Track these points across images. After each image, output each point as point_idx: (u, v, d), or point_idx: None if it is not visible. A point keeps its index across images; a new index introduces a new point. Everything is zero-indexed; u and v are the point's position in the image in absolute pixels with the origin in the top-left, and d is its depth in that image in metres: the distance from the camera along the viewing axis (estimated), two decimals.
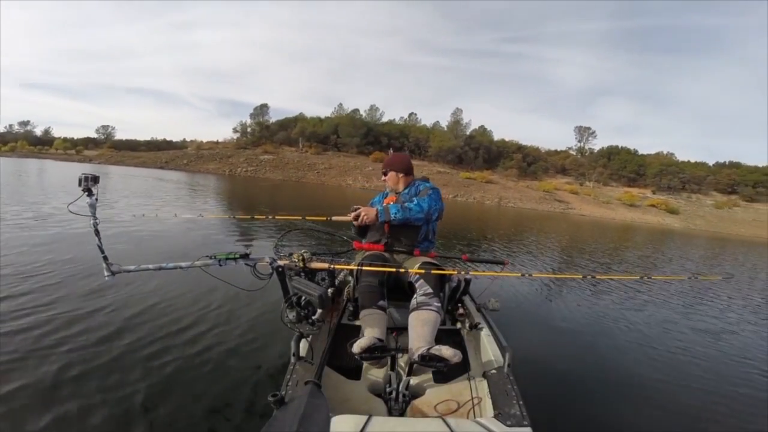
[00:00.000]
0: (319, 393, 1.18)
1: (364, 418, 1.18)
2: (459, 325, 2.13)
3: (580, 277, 2.42)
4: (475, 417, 1.40)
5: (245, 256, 1.82)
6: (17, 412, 1.76)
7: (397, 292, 2.06)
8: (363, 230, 2.33)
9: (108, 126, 58.54)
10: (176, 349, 2.44)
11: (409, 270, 1.90)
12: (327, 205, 15.00)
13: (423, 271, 1.86)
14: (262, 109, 51.61)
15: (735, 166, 48.03)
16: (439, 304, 1.79)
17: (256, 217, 2.60)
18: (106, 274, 1.66)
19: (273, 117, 52.82)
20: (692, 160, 50.43)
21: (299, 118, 52.02)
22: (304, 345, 1.60)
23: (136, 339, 2.52)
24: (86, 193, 1.57)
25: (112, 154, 45.18)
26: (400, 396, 1.56)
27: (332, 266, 1.91)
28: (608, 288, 5.20)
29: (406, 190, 2.29)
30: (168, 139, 57.64)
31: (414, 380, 1.67)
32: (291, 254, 1.92)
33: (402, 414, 1.51)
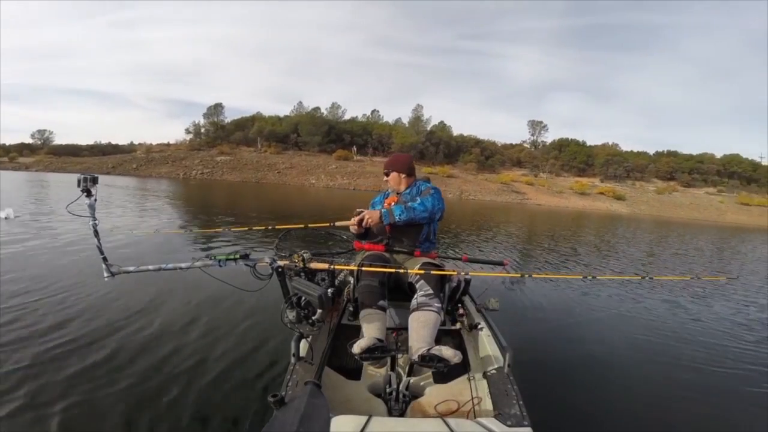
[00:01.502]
0: (319, 393, 1.16)
1: (364, 418, 1.18)
2: (459, 325, 2.12)
3: (581, 277, 2.42)
4: (475, 417, 1.38)
5: (245, 257, 1.79)
6: (20, 414, 1.77)
7: (398, 292, 2.04)
8: (363, 233, 2.29)
9: (45, 130, 53.13)
10: (176, 350, 2.42)
11: (409, 270, 1.89)
12: (296, 207, 14.66)
13: (423, 271, 1.84)
14: (217, 108, 49.66)
15: (672, 154, 52.20)
16: (440, 305, 1.78)
17: (254, 228, 2.49)
18: (105, 275, 1.64)
19: (228, 116, 51.11)
20: (635, 150, 54.19)
21: (257, 117, 50.56)
22: (304, 345, 1.58)
23: (134, 340, 2.50)
24: (85, 194, 1.54)
25: (51, 160, 41.47)
26: (400, 396, 1.56)
27: (332, 266, 1.87)
28: (608, 288, 5.17)
29: (408, 191, 2.27)
30: (114, 142, 53.80)
31: (414, 380, 1.67)
32: (291, 254, 1.89)
33: (402, 414, 1.51)
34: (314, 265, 1.85)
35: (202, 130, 48.10)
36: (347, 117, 53.11)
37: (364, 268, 1.83)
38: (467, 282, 2.11)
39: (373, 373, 1.74)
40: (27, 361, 2.19)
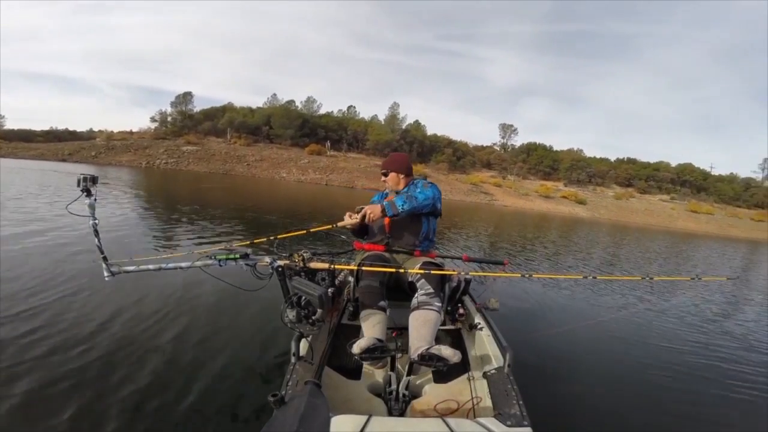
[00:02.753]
0: (319, 393, 1.16)
1: (364, 418, 1.18)
2: (459, 325, 2.14)
3: (581, 277, 2.49)
4: (475, 417, 1.37)
5: (245, 256, 1.80)
6: (19, 413, 1.75)
7: (397, 292, 2.04)
8: (362, 232, 2.30)
9: None
10: (176, 349, 2.41)
11: (409, 270, 1.90)
12: (268, 198, 14.42)
13: (423, 271, 1.85)
14: (186, 97, 47.61)
15: (632, 162, 54.86)
16: (440, 304, 1.79)
17: (255, 241, 2.41)
18: (105, 275, 1.65)
19: (198, 106, 49.02)
20: (598, 156, 56.34)
21: (228, 108, 48.92)
22: (304, 345, 1.59)
23: (133, 340, 2.47)
24: (85, 194, 1.55)
25: (0, 145, 38.75)
26: (400, 396, 1.57)
27: (332, 266, 1.89)
28: (608, 288, 5.21)
29: (406, 189, 2.27)
30: (72, 129, 50.45)
31: (414, 380, 1.68)
32: (291, 254, 1.90)
33: (402, 414, 1.51)
34: (314, 264, 1.87)
35: (169, 118, 46.09)
36: (322, 111, 52.48)
37: (364, 268, 1.83)
38: (467, 282, 2.14)
39: (373, 372, 1.73)
40: (24, 362, 2.12)
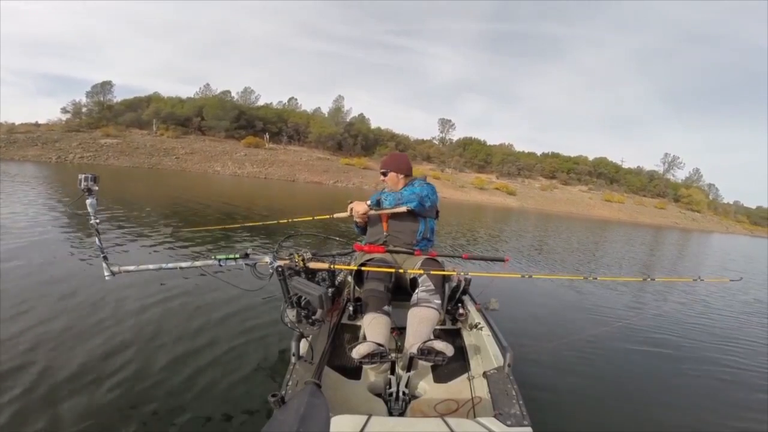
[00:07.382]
0: (319, 393, 1.16)
1: (364, 418, 1.18)
2: (459, 325, 2.16)
3: (582, 278, 2.41)
4: (475, 417, 1.37)
5: (245, 256, 1.82)
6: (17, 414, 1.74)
7: (398, 292, 2.05)
8: (363, 228, 2.37)
9: None
10: (175, 349, 2.41)
11: (409, 270, 1.94)
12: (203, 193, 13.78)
13: (422, 271, 1.89)
14: (104, 86, 43.28)
15: (555, 156, 59.50)
16: (440, 302, 1.84)
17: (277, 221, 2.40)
18: (106, 274, 1.65)
19: (119, 96, 44.85)
20: (526, 150, 60.44)
21: (153, 98, 45.37)
22: (304, 345, 1.59)
23: (133, 340, 2.48)
24: (86, 193, 1.54)
25: None
26: (400, 396, 1.58)
27: (332, 266, 1.92)
28: (608, 288, 5.23)
29: (404, 188, 2.30)
30: None
31: (414, 380, 1.70)
32: (291, 254, 1.92)
33: (402, 414, 1.52)
34: (314, 265, 1.89)
35: (84, 109, 41.59)
36: (261, 103, 50.62)
37: (364, 268, 1.87)
38: (467, 281, 2.17)
39: (373, 373, 1.73)
40: (22, 363, 2.10)
